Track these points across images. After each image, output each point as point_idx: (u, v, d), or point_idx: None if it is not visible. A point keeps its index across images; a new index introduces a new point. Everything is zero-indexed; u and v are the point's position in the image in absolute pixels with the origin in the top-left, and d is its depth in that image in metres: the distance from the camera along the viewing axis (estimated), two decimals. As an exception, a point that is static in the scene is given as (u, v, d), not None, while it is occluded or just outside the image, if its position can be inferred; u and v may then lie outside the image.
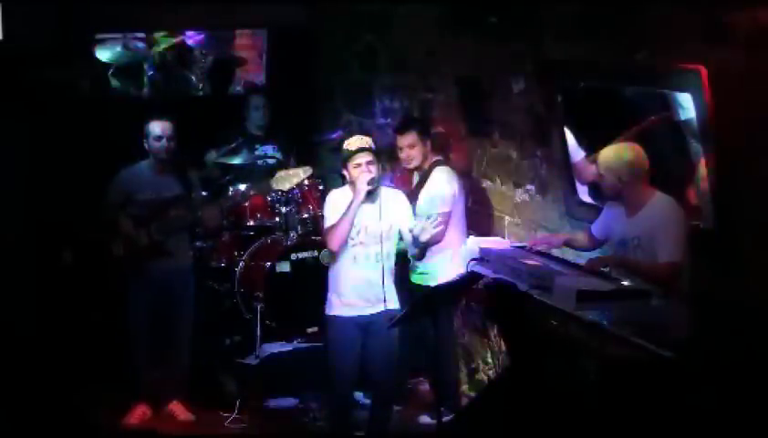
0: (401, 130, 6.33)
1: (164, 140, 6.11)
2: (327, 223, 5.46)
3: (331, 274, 5.57)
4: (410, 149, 6.25)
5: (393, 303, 5.50)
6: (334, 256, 5.48)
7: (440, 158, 6.40)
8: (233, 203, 6.65)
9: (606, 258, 5.02)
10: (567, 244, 5.42)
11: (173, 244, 6.20)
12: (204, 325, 6.73)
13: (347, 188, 5.52)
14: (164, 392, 6.39)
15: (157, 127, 6.11)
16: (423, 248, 5.47)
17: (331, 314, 5.54)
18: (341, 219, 5.34)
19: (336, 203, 5.46)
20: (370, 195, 5.36)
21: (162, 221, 6.11)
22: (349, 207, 5.33)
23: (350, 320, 5.47)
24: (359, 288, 5.45)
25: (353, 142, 5.43)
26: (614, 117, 5.28)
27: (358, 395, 6.23)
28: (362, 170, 5.34)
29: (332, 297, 5.55)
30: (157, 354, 6.36)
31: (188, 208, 6.21)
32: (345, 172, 5.45)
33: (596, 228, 5.20)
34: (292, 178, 6.19)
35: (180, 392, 6.41)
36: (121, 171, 6.20)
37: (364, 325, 5.47)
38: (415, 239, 5.35)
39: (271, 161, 7.44)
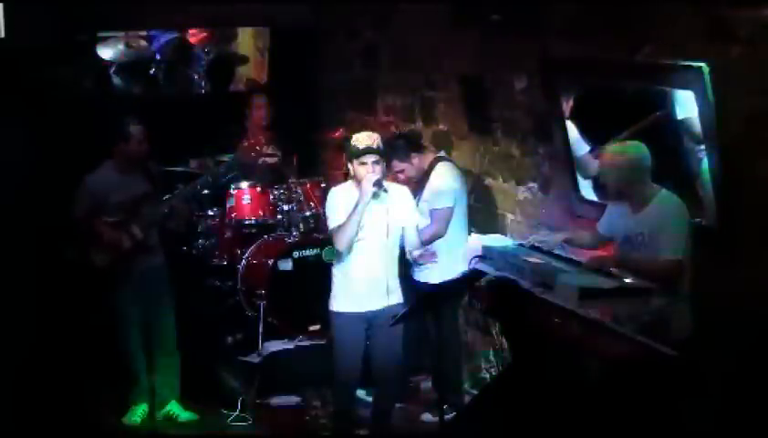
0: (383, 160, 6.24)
1: (145, 144, 6.14)
2: (332, 221, 5.46)
3: (335, 269, 5.57)
4: (401, 173, 6.22)
5: (397, 297, 5.51)
6: (338, 254, 5.48)
7: (442, 154, 6.41)
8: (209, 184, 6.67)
9: (604, 258, 5.02)
10: (568, 241, 5.42)
11: (151, 240, 6.21)
12: (206, 323, 6.72)
13: (349, 184, 5.51)
14: (162, 392, 6.38)
15: (139, 131, 6.12)
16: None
17: (335, 310, 5.55)
18: (348, 220, 5.33)
19: (339, 201, 5.45)
20: (375, 193, 5.36)
21: (139, 219, 6.11)
22: (355, 208, 5.32)
23: (355, 316, 5.47)
24: (364, 283, 5.45)
25: (361, 140, 5.39)
26: (617, 114, 5.28)
27: (360, 393, 6.23)
28: (368, 169, 5.33)
29: (336, 293, 5.55)
30: (151, 354, 6.34)
31: (157, 203, 6.20)
32: (350, 167, 5.45)
33: (602, 226, 5.20)
34: None
35: (176, 391, 6.40)
36: (86, 178, 6.13)
37: (368, 320, 5.48)
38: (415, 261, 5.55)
39: (271, 159, 7.43)
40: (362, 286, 5.45)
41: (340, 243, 5.39)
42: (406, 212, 5.53)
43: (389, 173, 6.15)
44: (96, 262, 6.05)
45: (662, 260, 4.67)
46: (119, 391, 6.36)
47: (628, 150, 4.89)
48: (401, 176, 6.24)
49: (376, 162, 5.34)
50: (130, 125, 6.12)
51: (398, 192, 5.56)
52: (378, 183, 5.31)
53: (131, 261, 6.10)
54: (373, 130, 5.82)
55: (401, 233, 5.54)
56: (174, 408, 6.35)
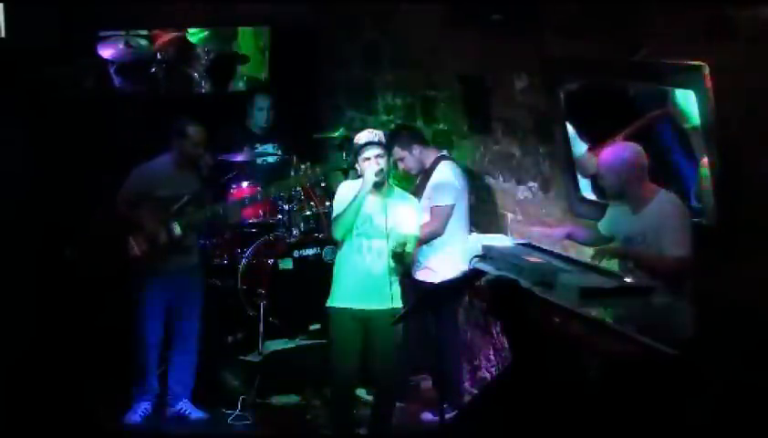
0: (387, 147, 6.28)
1: (202, 148, 6.17)
2: (335, 211, 5.52)
3: (335, 265, 5.61)
4: (401, 161, 6.28)
5: (396, 300, 5.51)
6: (337, 246, 5.52)
7: (444, 153, 6.42)
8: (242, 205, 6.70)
9: (612, 249, 5.03)
10: (570, 236, 5.43)
11: (188, 241, 6.20)
12: (207, 322, 6.72)
13: (358, 181, 5.58)
14: (175, 389, 6.37)
15: (199, 135, 6.14)
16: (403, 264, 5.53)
17: (332, 305, 5.57)
18: (347, 207, 5.40)
19: (345, 194, 5.53)
20: (380, 188, 5.42)
21: (182, 217, 6.10)
22: (356, 196, 5.39)
23: (350, 312, 5.49)
24: (361, 280, 5.48)
25: (362, 136, 5.51)
26: (616, 113, 5.29)
27: (361, 392, 6.24)
28: (370, 163, 5.40)
29: (334, 288, 5.58)
30: (166, 352, 6.36)
31: (203, 204, 6.21)
32: (356, 166, 5.52)
33: (603, 225, 5.21)
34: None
35: (188, 389, 6.39)
36: (140, 166, 6.17)
37: (365, 320, 5.49)
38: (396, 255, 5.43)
39: (271, 158, 7.44)
40: (359, 284, 5.48)
41: (338, 230, 5.47)
42: (407, 216, 5.54)
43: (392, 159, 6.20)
44: (128, 250, 6.02)
45: (671, 258, 4.69)
46: (120, 390, 6.36)
47: (624, 150, 4.90)
48: (401, 165, 6.27)
49: (379, 156, 5.41)
50: (188, 126, 6.11)
51: (403, 197, 5.60)
52: (380, 172, 5.37)
53: (165, 258, 6.08)
54: (374, 128, 5.84)
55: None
56: (185, 406, 6.34)
